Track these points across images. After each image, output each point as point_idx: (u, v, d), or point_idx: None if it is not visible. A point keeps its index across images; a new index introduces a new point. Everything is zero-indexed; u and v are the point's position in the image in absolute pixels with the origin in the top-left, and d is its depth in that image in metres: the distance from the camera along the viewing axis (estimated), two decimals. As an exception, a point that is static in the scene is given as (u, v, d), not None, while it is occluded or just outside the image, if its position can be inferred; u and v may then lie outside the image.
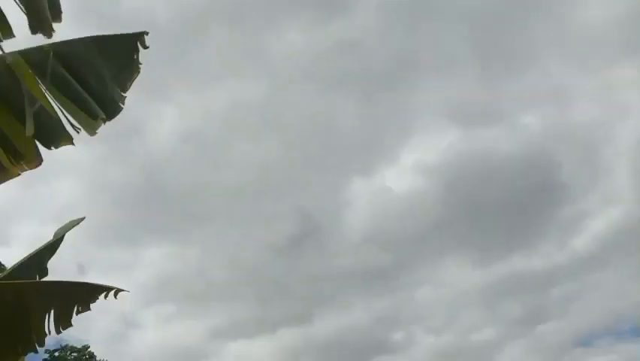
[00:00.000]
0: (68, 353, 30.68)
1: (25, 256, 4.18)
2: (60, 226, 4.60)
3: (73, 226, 4.60)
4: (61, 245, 4.32)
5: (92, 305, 3.17)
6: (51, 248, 4.27)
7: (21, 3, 2.94)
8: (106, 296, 3.19)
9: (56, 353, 30.64)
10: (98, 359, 30.82)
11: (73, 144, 3.53)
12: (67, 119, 3.39)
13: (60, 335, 2.90)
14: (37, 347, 2.71)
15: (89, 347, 31.54)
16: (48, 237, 4.44)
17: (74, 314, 2.93)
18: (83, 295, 3.04)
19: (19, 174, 3.55)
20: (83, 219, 4.75)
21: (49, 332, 2.80)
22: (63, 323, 2.83)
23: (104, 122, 3.50)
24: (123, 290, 3.18)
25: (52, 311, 2.77)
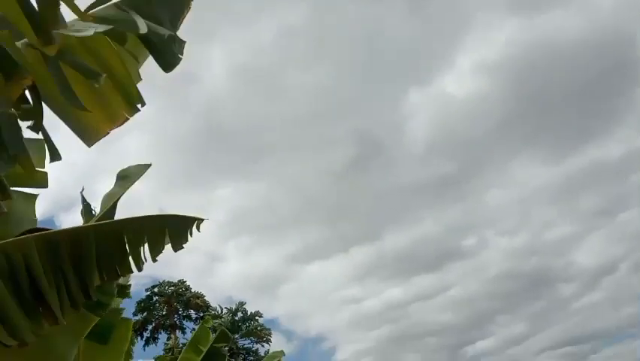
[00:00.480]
0: (166, 287, 33.90)
1: (108, 203, 4.49)
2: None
3: (141, 173, 4.62)
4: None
5: (187, 237, 3.43)
6: (121, 191, 4.50)
7: None
8: (192, 226, 3.45)
9: (155, 289, 33.99)
10: (192, 290, 33.89)
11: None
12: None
13: (155, 274, 3.23)
14: (136, 270, 3.08)
15: (184, 281, 34.64)
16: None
17: (166, 243, 3.24)
18: (173, 225, 3.33)
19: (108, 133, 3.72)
20: (149, 165, 4.70)
21: (146, 259, 3.14)
22: (156, 251, 3.17)
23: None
24: (204, 219, 3.42)
25: (146, 241, 3.10)
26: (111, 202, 4.42)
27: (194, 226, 3.42)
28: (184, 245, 3.39)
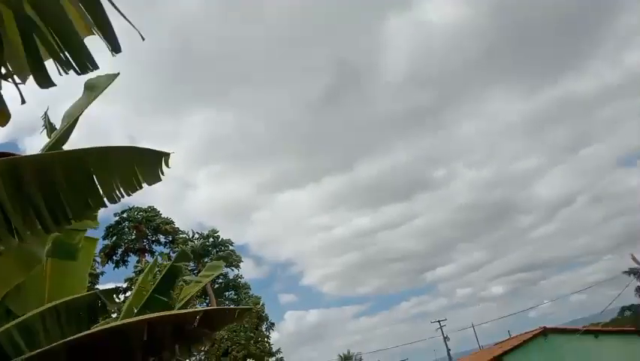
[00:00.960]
0: (136, 213, 34.07)
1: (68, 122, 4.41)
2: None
3: (109, 83, 4.51)
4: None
5: (158, 173, 3.41)
6: (86, 104, 4.43)
7: None
8: (161, 160, 3.45)
9: (124, 215, 34.12)
10: (162, 216, 34.19)
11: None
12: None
13: (125, 200, 3.24)
14: (109, 203, 3.10)
15: (153, 207, 34.83)
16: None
17: (140, 179, 3.24)
18: (141, 158, 3.33)
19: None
20: (117, 75, 4.59)
21: (122, 194, 3.15)
22: (131, 187, 3.19)
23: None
24: (171, 153, 3.43)
25: (116, 175, 3.10)
26: (78, 113, 4.38)
27: (163, 162, 3.43)
28: (158, 182, 3.40)
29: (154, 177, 3.37)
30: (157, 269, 8.14)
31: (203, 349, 16.49)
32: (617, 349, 21.05)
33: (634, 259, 9.88)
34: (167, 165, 3.40)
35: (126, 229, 33.93)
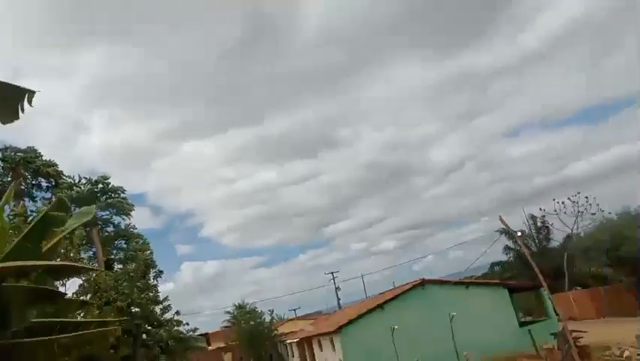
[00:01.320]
0: (13, 153, 30.80)
1: None
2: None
3: None
4: None
5: (17, 111, 3.10)
6: None
7: None
8: (23, 98, 3.11)
9: (-1, 154, 30.70)
10: (44, 158, 31.28)
11: None
12: None
13: (5, 139, 2.90)
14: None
15: (33, 148, 31.67)
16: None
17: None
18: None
19: None
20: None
21: None
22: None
23: None
24: (35, 91, 3.08)
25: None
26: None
27: (26, 100, 3.10)
28: (14, 120, 3.10)
29: (9, 115, 3.03)
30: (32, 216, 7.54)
31: (84, 298, 15.78)
32: (484, 297, 23.84)
33: (501, 220, 11.05)
34: (29, 103, 3.06)
35: (2, 170, 30.72)
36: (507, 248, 45.19)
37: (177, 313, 21.08)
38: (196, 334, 24.19)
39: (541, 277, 11.39)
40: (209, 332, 51.97)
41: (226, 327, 43.99)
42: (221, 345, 44.95)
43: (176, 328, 20.88)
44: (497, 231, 42.69)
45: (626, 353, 18.19)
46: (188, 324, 22.52)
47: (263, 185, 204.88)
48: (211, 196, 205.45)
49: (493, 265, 47.61)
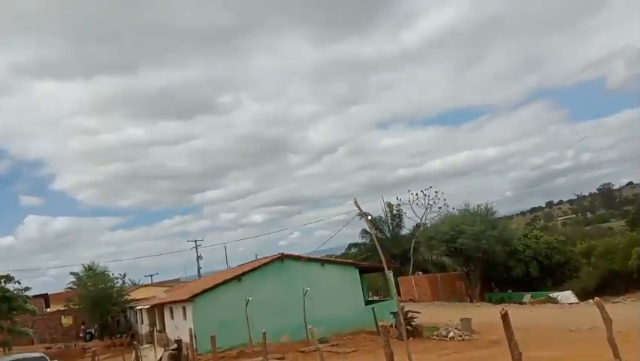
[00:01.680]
0: None
1: None
2: None
3: None
4: None
5: None
6: None
7: None
8: None
9: None
10: None
11: None
12: None
13: None
14: None
15: None
16: None
17: None
18: None
19: None
20: None
21: None
22: None
23: None
24: None
25: None
26: None
27: None
28: None
29: None
30: None
31: None
32: (336, 275, 25.12)
33: (356, 203, 11.55)
34: None
35: None
36: (364, 231, 48.27)
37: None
38: (29, 294, 21.87)
39: (384, 260, 12.21)
40: (50, 293, 47.63)
41: (70, 289, 40.57)
42: (62, 308, 41.47)
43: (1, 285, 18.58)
44: (359, 214, 45.12)
45: (451, 334, 20.59)
46: (19, 282, 20.23)
47: (130, 142, 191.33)
48: (68, 146, 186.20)
49: (350, 245, 50.58)
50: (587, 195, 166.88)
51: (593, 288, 34.74)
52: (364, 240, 48.33)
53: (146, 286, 52.87)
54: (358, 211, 12.29)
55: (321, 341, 21.51)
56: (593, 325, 8.49)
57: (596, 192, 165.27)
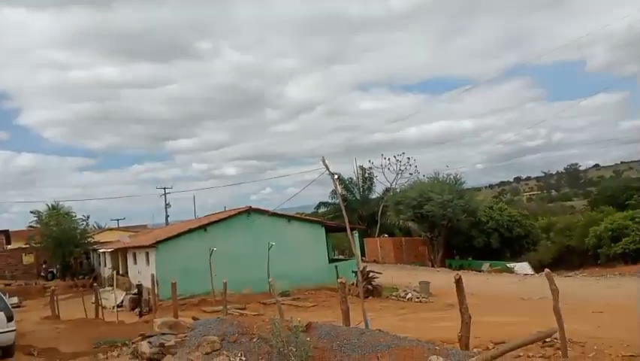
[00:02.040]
0: None
1: None
2: None
3: None
4: None
5: None
6: None
7: None
8: None
9: None
10: None
11: None
12: None
13: None
14: None
15: None
16: None
17: None
18: None
19: None
20: None
21: None
22: None
23: None
24: None
25: None
26: None
27: None
28: None
29: None
30: None
31: None
32: (302, 232, 25.35)
33: (323, 162, 11.44)
34: None
35: None
36: (334, 192, 48.60)
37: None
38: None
39: (347, 220, 12.27)
40: (12, 230, 46.69)
41: (32, 227, 39.81)
42: (24, 246, 40.81)
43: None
44: (330, 174, 45.30)
45: (409, 295, 21.20)
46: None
47: (102, 81, 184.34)
48: (36, 80, 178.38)
49: (320, 204, 50.85)
50: (554, 173, 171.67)
51: (550, 261, 36.12)
52: (334, 200, 48.67)
53: (111, 230, 52.30)
54: (326, 170, 12.20)
55: (283, 294, 21.90)
56: (544, 295, 8.85)
57: (563, 171, 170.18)
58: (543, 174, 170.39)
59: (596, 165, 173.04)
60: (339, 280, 11.22)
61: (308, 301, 20.54)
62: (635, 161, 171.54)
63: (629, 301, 15.90)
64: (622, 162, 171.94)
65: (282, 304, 18.84)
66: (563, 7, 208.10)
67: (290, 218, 25.62)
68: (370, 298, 20.84)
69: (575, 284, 21.33)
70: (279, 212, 25.63)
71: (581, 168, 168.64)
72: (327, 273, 24.01)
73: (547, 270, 9.58)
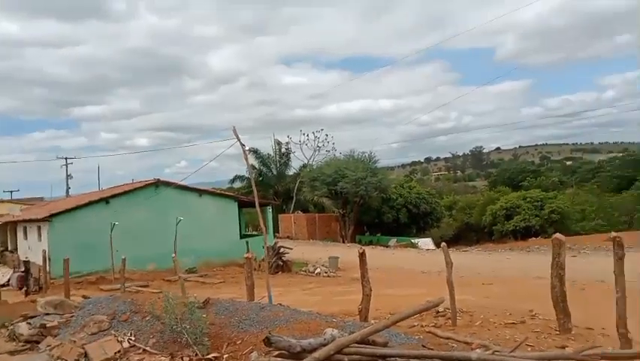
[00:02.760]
0: None
1: None
2: None
3: None
4: None
5: None
6: None
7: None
8: None
9: None
10: None
11: None
12: None
13: None
14: None
15: None
16: None
17: None
18: None
19: None
20: None
21: None
22: None
23: None
24: None
25: None
26: None
27: None
28: None
29: None
30: None
31: None
32: (214, 206, 24.64)
33: (234, 132, 11.05)
34: None
35: None
36: (252, 166, 48.01)
37: None
38: None
39: (256, 193, 12.06)
40: None
41: None
42: None
43: None
44: (241, 145, 44.73)
45: (318, 270, 21.52)
46: None
47: (1, 37, 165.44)
48: None
49: (235, 178, 49.81)
50: (460, 155, 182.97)
51: (450, 237, 38.57)
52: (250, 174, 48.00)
53: (2, 202, 47.64)
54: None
55: (190, 271, 21.30)
56: (443, 269, 9.34)
57: (469, 153, 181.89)
58: (451, 155, 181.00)
59: (498, 149, 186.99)
60: (245, 255, 11.01)
61: (216, 277, 20.13)
62: (531, 145, 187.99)
63: (516, 273, 17.38)
64: (520, 147, 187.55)
65: (188, 280, 18.35)
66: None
67: (201, 192, 24.75)
68: (280, 273, 20.91)
69: (470, 258, 22.89)
70: (190, 185, 24.67)
71: (484, 151, 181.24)
72: (237, 249, 23.59)
73: (443, 244, 10.06)
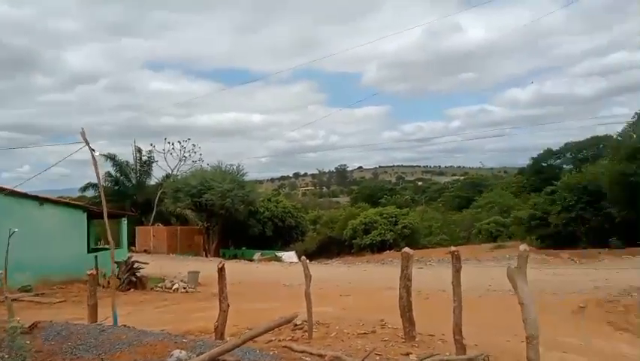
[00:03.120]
0: None
1: None
2: None
3: None
4: None
5: None
6: None
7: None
8: None
9: None
10: None
11: None
12: None
13: None
14: None
15: None
16: None
17: None
18: None
19: None
20: None
21: None
22: None
23: None
24: None
25: None
26: None
27: None
28: None
29: None
30: None
31: None
32: (57, 217, 21.96)
33: (82, 135, 9.98)
34: None
35: None
36: (108, 174, 44.33)
37: None
38: None
39: (104, 202, 11.05)
40: None
41: None
42: None
43: None
44: (104, 155, 41.25)
45: (176, 286, 20.34)
46: None
47: None
48: None
49: (88, 185, 45.30)
50: (326, 171, 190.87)
51: (314, 250, 39.65)
52: (107, 183, 44.15)
53: None
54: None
55: (25, 289, 18.68)
56: (303, 282, 9.40)
57: (334, 170, 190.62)
58: (317, 172, 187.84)
59: (360, 167, 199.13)
60: (88, 272, 9.89)
61: (55, 296, 17.87)
62: (389, 166, 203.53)
63: (371, 285, 18.33)
64: (380, 166, 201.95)
65: (21, 300, 16.01)
66: (352, 24, 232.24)
67: (42, 200, 21.91)
68: (132, 290, 19.34)
69: (330, 271, 23.67)
70: (30, 193, 21.67)
71: (348, 169, 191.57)
72: (84, 264, 21.22)
73: (303, 257, 10.15)
